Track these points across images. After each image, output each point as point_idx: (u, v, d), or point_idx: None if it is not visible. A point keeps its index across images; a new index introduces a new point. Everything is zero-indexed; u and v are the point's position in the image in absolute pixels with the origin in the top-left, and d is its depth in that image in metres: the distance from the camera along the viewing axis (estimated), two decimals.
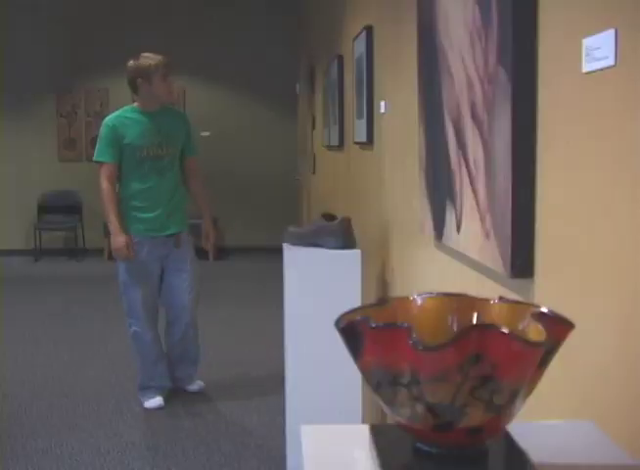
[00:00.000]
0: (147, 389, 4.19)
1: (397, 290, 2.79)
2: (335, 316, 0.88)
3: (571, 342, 0.90)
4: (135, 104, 4.07)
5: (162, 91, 4.00)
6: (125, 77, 4.05)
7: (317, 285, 2.86)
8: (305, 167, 7.73)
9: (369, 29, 3.28)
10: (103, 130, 3.99)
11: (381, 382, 0.84)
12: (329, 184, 5.49)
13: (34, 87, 9.61)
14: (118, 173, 4.02)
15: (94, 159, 4.01)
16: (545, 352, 0.82)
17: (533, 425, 1.05)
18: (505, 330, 0.79)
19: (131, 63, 4.05)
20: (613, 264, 1.08)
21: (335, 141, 4.69)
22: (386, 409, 0.88)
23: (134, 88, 4.01)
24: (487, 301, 0.96)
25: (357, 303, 2.81)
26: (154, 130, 3.97)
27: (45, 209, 9.59)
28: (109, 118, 4.04)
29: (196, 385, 4.42)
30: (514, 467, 0.89)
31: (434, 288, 2.09)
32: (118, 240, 3.90)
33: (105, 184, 3.96)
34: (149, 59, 4.01)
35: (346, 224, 2.93)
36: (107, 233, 9.85)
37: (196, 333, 4.40)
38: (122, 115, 4.03)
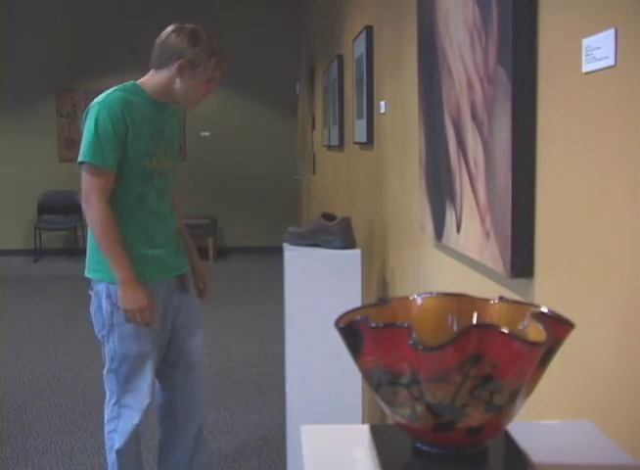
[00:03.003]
0: None
1: (397, 290, 2.79)
2: (335, 316, 0.88)
3: (571, 342, 0.90)
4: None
5: None
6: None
7: (317, 285, 2.85)
8: (305, 167, 7.73)
9: (369, 29, 3.28)
10: (100, 118, 2.49)
11: (381, 382, 0.84)
12: (329, 184, 5.49)
13: (34, 87, 9.61)
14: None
15: (82, 159, 2.49)
16: (545, 352, 0.82)
17: (533, 425, 1.05)
18: (505, 330, 0.79)
19: None
20: (613, 264, 1.08)
21: (335, 141, 4.69)
22: (386, 409, 0.88)
23: None
24: (487, 301, 0.96)
25: (357, 303, 2.81)
26: (161, 130, 2.65)
27: (45, 209, 9.60)
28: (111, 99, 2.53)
29: None
30: (514, 467, 0.89)
31: (434, 288, 2.09)
32: (139, 296, 2.50)
33: (101, 204, 2.49)
34: None
35: (346, 224, 2.93)
36: None
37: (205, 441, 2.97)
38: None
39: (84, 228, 9.59)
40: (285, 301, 2.91)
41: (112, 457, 2.72)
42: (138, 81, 2.62)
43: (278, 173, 9.73)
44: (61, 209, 9.64)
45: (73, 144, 9.86)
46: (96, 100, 2.53)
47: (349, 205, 4.20)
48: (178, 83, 2.56)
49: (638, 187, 0.99)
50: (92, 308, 2.66)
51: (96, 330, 2.68)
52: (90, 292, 2.67)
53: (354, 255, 2.89)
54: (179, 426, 2.84)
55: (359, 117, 3.56)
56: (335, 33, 4.94)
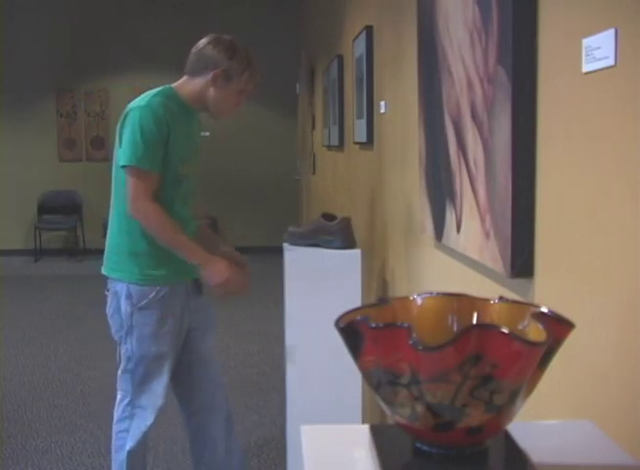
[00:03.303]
0: None
1: (397, 290, 2.79)
2: (335, 316, 0.88)
3: (571, 342, 0.90)
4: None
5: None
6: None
7: (317, 285, 2.85)
8: (305, 167, 7.73)
9: (369, 29, 3.28)
10: (145, 122, 2.48)
11: (381, 382, 0.84)
12: (329, 184, 5.49)
13: (34, 87, 9.61)
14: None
15: (128, 163, 2.47)
16: (545, 352, 0.82)
17: (533, 425, 1.05)
18: (505, 330, 0.79)
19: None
20: (613, 264, 1.08)
21: (335, 141, 4.69)
22: (386, 409, 0.88)
23: None
24: (487, 301, 0.96)
25: (357, 303, 2.80)
26: (191, 135, 2.70)
27: (45, 209, 9.60)
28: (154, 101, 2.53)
29: None
30: (514, 467, 0.89)
31: (435, 288, 2.09)
32: (222, 267, 2.56)
33: (151, 204, 2.48)
34: None
35: (346, 224, 2.93)
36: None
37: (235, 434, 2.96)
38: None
39: (84, 228, 9.61)
40: (285, 301, 2.91)
41: (120, 457, 2.71)
42: (172, 86, 2.63)
43: (278, 173, 9.74)
44: (61, 209, 9.64)
45: (73, 144, 9.87)
46: (135, 104, 2.53)
47: (349, 205, 4.20)
48: (211, 92, 2.61)
49: (638, 187, 0.99)
50: (109, 309, 2.64)
51: (113, 331, 2.66)
52: (106, 292, 2.66)
53: (354, 255, 2.89)
54: (201, 426, 2.85)
55: (359, 117, 3.56)
56: (335, 33, 4.94)
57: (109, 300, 2.64)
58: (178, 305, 2.62)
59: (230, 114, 2.72)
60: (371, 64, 3.27)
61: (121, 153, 2.49)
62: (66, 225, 9.64)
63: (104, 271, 2.67)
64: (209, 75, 2.57)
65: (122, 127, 2.52)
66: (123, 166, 2.49)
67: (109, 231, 2.65)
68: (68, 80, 9.69)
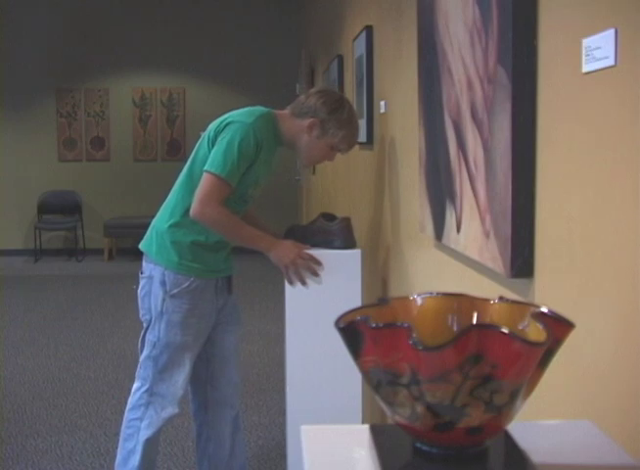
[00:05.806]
0: None
1: (397, 290, 2.79)
2: (335, 316, 0.88)
3: (571, 342, 0.90)
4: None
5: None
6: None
7: (317, 285, 2.85)
8: (305, 168, 7.72)
9: (369, 29, 3.28)
10: (245, 139, 2.56)
11: (381, 382, 0.84)
12: (329, 184, 5.49)
13: (34, 87, 9.61)
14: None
15: (214, 170, 2.53)
16: (545, 352, 0.82)
17: (533, 425, 1.05)
18: (505, 330, 0.79)
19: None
20: (612, 264, 1.08)
21: None
22: (386, 409, 0.88)
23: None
24: (487, 301, 0.96)
25: (357, 303, 2.80)
26: (271, 162, 2.79)
27: (45, 209, 9.60)
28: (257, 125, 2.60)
29: None
30: (514, 467, 0.89)
31: (434, 288, 2.09)
32: (288, 246, 2.70)
33: (219, 208, 2.54)
34: None
35: (346, 224, 2.93)
36: (108, 234, 9.99)
37: (242, 435, 3.03)
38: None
39: (84, 228, 9.60)
40: (285, 301, 2.91)
41: (129, 445, 2.72)
42: (276, 113, 2.71)
43: (278, 173, 9.68)
44: (61, 209, 9.64)
45: (74, 144, 9.86)
46: (241, 118, 2.60)
47: (349, 205, 4.20)
48: (304, 138, 2.71)
49: (638, 187, 0.99)
50: (141, 291, 2.72)
51: (140, 313, 2.73)
52: (140, 274, 2.73)
53: (354, 255, 2.89)
54: (209, 421, 2.91)
55: (359, 116, 3.55)
56: (335, 33, 4.94)
57: (142, 282, 2.72)
58: (207, 300, 2.70)
59: (314, 164, 2.82)
60: (371, 64, 3.27)
61: (212, 158, 2.56)
62: (65, 225, 9.64)
63: (142, 247, 2.75)
64: (306, 122, 2.67)
65: (219, 133, 2.60)
66: (207, 171, 2.54)
67: (160, 214, 2.74)
68: (69, 80, 9.68)
